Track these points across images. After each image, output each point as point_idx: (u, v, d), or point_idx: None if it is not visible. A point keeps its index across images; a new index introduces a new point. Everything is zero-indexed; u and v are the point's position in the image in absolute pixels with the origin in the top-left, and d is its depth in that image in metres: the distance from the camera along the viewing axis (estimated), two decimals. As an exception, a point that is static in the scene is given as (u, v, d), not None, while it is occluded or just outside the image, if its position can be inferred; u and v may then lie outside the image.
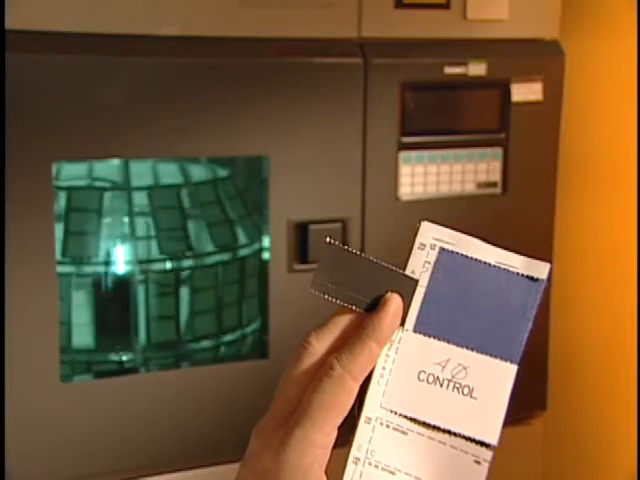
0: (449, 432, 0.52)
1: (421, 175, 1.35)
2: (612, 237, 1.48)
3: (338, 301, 0.52)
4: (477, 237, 0.54)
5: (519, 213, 1.42)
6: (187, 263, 1.35)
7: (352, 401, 0.52)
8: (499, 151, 1.40)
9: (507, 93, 1.39)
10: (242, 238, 1.38)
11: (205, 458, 1.32)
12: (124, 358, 1.34)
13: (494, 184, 1.41)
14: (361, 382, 0.52)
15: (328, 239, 0.53)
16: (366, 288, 0.53)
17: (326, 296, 0.52)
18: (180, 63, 1.22)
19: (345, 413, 0.51)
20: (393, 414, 0.52)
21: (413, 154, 1.35)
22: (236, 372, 1.32)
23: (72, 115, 1.17)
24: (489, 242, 0.54)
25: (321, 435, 0.51)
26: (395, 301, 0.52)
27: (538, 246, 1.41)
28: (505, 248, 0.54)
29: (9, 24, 1.12)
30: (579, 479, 1.56)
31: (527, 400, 1.49)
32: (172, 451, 1.30)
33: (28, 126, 1.15)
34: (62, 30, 1.16)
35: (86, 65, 1.18)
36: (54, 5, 1.16)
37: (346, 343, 0.52)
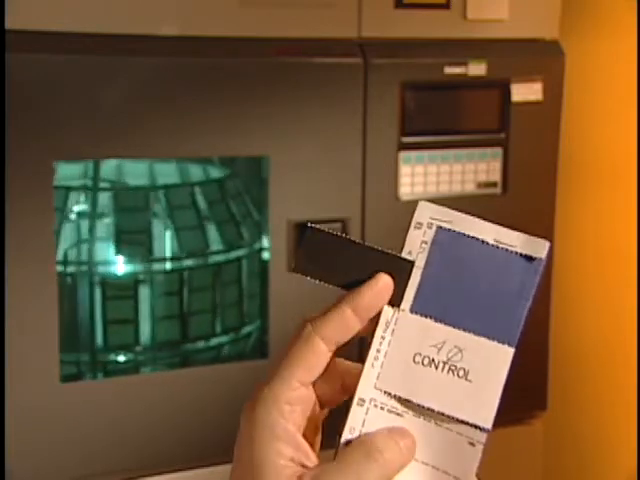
0: (443, 414, 0.52)
1: (421, 175, 1.35)
2: (612, 237, 1.48)
3: (321, 282, 0.52)
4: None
5: (519, 213, 1.42)
6: (188, 263, 1.35)
7: (323, 364, 0.51)
8: (499, 151, 1.40)
9: (507, 93, 1.39)
10: (242, 238, 1.38)
11: (205, 458, 1.32)
12: (123, 358, 1.34)
13: (494, 184, 1.41)
14: (334, 348, 0.51)
15: (309, 224, 0.53)
16: (353, 270, 0.52)
17: (308, 277, 0.52)
18: (180, 63, 1.22)
19: (314, 373, 0.51)
20: (387, 396, 0.52)
21: (413, 154, 1.35)
22: (236, 372, 1.32)
23: (72, 115, 1.17)
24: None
25: (286, 389, 0.51)
26: (382, 278, 0.52)
27: (538, 246, 1.40)
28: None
29: (9, 24, 1.12)
30: (579, 479, 1.56)
31: (527, 400, 1.49)
32: (172, 451, 1.30)
33: (28, 126, 1.15)
34: (62, 30, 1.16)
35: (86, 65, 1.18)
36: (54, 5, 1.16)
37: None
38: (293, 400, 0.51)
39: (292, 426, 0.50)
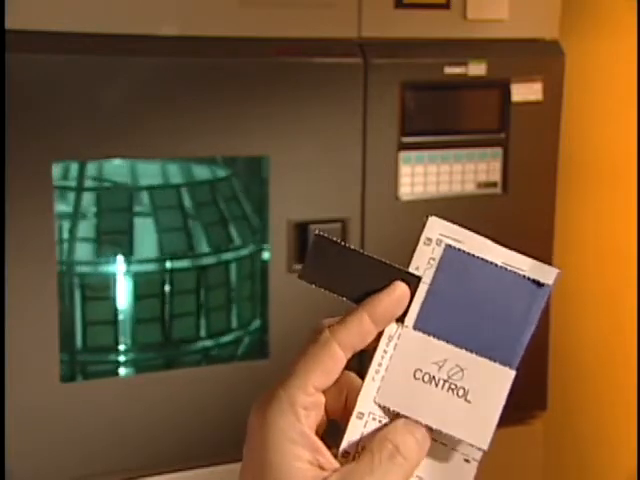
0: (440, 431, 0.52)
1: (421, 175, 1.35)
2: (612, 237, 1.48)
3: (326, 291, 0.53)
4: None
5: (519, 213, 1.42)
6: (187, 263, 1.35)
7: (339, 370, 0.52)
8: (499, 151, 1.40)
9: (507, 93, 1.39)
10: (242, 238, 1.38)
11: (205, 458, 1.32)
12: (123, 358, 1.34)
13: (494, 184, 1.41)
14: (350, 355, 0.52)
15: (317, 231, 0.53)
16: (360, 282, 0.52)
17: (314, 285, 0.52)
18: (180, 63, 1.22)
19: (329, 379, 0.52)
20: (386, 410, 0.52)
21: (413, 154, 1.35)
22: (236, 372, 1.32)
23: (72, 115, 1.17)
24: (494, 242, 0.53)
25: (302, 394, 0.51)
26: (400, 287, 0.52)
27: (538, 246, 1.41)
28: (510, 249, 0.53)
29: (9, 24, 1.12)
30: (579, 479, 1.56)
31: (527, 400, 1.49)
32: (172, 451, 1.30)
33: (28, 126, 1.15)
34: (62, 30, 1.16)
35: (86, 65, 1.18)
36: (54, 5, 1.16)
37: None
38: (308, 404, 0.51)
39: (307, 429, 0.51)
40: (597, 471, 1.53)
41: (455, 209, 1.34)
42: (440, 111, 1.37)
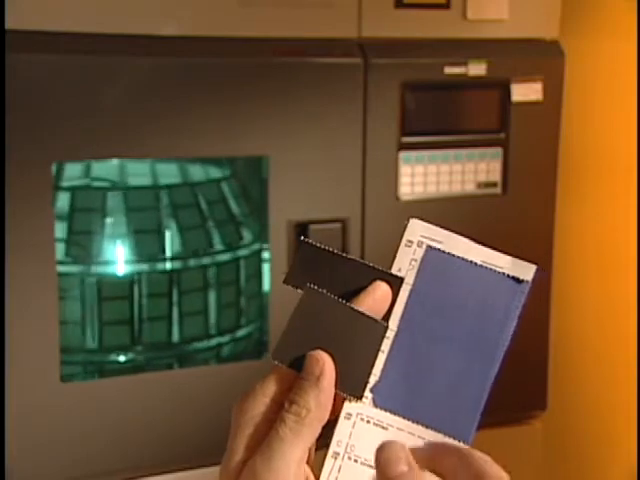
0: (427, 427, 0.52)
1: (421, 175, 1.35)
2: (612, 237, 1.48)
3: None
4: (476, 237, 0.54)
5: (519, 213, 1.42)
6: (187, 263, 1.35)
7: None
8: (499, 151, 1.40)
9: (507, 93, 1.39)
10: (242, 238, 1.38)
11: (205, 458, 1.32)
12: (124, 358, 1.34)
13: (494, 184, 1.41)
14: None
15: (302, 238, 0.54)
16: (344, 285, 0.53)
17: (298, 290, 0.53)
18: (180, 63, 1.22)
19: None
20: (373, 409, 0.53)
21: (413, 154, 1.35)
22: (236, 372, 1.32)
23: (72, 115, 1.17)
24: (486, 242, 0.54)
25: (277, 385, 0.53)
26: (381, 287, 0.53)
27: (538, 246, 1.41)
28: (502, 249, 0.54)
29: (9, 24, 1.13)
30: (579, 479, 1.56)
31: (527, 400, 1.49)
32: (172, 451, 1.30)
33: (28, 126, 1.15)
34: (62, 30, 1.17)
35: (86, 65, 1.18)
36: (54, 5, 1.16)
37: None
38: (278, 397, 0.52)
39: (267, 421, 0.51)
40: (597, 471, 1.53)
41: (455, 209, 1.34)
42: (440, 111, 1.37)
